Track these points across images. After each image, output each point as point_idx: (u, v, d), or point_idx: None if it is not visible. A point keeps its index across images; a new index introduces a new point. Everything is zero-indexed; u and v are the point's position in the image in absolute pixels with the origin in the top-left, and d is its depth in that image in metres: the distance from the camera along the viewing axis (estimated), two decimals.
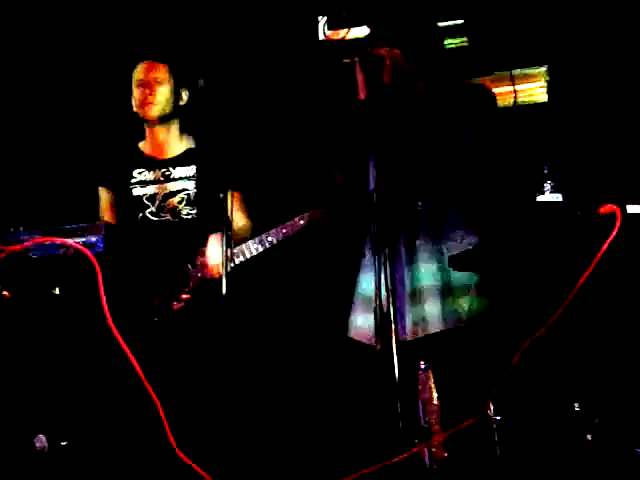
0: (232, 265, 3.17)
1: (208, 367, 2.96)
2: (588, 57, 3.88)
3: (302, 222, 3.21)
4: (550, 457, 3.10)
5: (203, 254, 3.21)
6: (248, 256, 3.22)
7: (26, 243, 2.57)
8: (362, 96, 2.92)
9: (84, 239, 2.63)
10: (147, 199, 3.37)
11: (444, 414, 2.72)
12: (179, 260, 3.26)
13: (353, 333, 3.12)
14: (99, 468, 3.00)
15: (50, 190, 4.14)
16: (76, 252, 2.57)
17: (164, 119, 3.42)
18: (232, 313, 2.76)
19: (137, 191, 3.38)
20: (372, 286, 2.98)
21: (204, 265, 3.20)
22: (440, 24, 3.64)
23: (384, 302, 2.67)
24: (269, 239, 3.21)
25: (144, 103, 3.40)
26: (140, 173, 3.42)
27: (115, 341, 2.35)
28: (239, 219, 3.42)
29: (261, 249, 3.22)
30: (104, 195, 3.46)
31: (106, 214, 3.44)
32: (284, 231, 3.21)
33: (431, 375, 2.77)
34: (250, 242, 3.23)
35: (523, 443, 3.08)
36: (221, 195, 2.72)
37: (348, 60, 3.24)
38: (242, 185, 3.43)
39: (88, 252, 2.48)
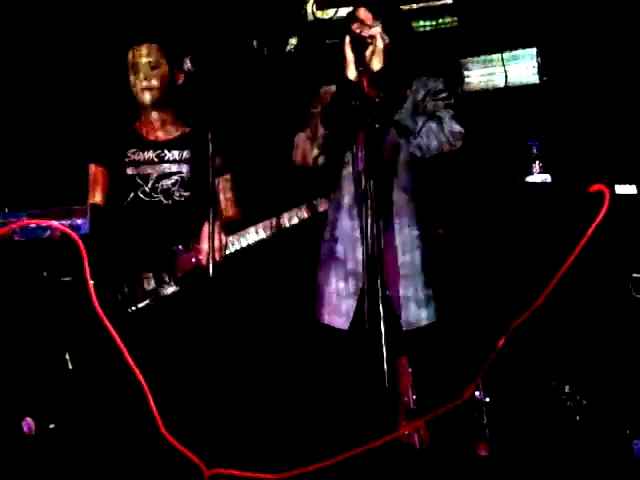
0: (227, 252, 3.18)
1: (197, 352, 2.95)
2: (579, 38, 3.87)
3: (301, 214, 3.19)
4: (539, 440, 3.11)
5: (198, 240, 3.19)
6: (244, 245, 3.21)
7: (11, 225, 2.56)
8: (350, 76, 2.90)
9: (70, 221, 2.62)
10: (140, 179, 3.35)
11: (434, 397, 2.73)
12: (170, 241, 3.25)
13: (327, 319, 3.12)
14: (87, 451, 3.00)
15: (37, 171, 4.12)
16: (62, 235, 2.56)
17: (159, 103, 3.41)
18: (221, 299, 2.76)
19: (131, 171, 3.37)
20: (347, 271, 3.01)
21: (199, 251, 3.19)
22: (431, 3, 3.64)
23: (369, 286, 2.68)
24: (266, 229, 3.20)
25: (139, 88, 3.38)
26: (134, 153, 3.40)
27: (102, 324, 2.34)
28: (229, 207, 3.41)
29: (257, 238, 3.21)
30: (95, 172, 3.43)
31: (96, 192, 3.41)
32: (282, 222, 3.19)
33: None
34: (246, 231, 3.22)
35: (512, 425, 3.09)
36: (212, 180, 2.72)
37: (336, 41, 3.21)
38: (233, 167, 3.42)
39: (74, 234, 2.47)
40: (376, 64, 2.91)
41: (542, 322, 2.82)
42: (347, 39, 2.91)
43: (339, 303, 3.07)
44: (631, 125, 3.61)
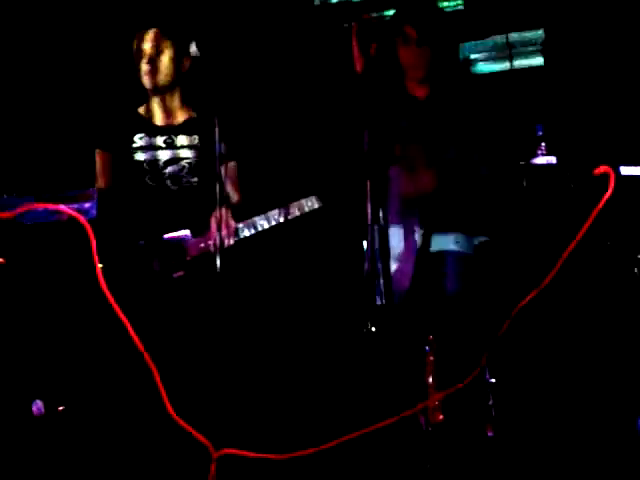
0: (236, 239, 3.20)
1: (205, 334, 2.98)
2: (585, 20, 3.86)
3: (311, 204, 3.20)
4: (545, 420, 3.13)
5: (209, 226, 3.20)
6: (253, 232, 3.22)
7: (19, 209, 2.57)
8: (358, 68, 2.89)
9: (77, 205, 2.63)
10: (148, 165, 3.37)
11: (441, 378, 2.75)
12: (177, 227, 3.26)
13: None
14: (96, 433, 3.02)
15: (45, 156, 4.13)
16: (69, 218, 2.57)
17: (165, 88, 3.41)
18: (230, 285, 2.78)
19: (138, 156, 3.38)
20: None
21: (208, 237, 3.20)
22: None
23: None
24: (275, 217, 3.20)
25: (144, 73, 3.38)
26: (141, 138, 3.41)
27: (110, 308, 2.35)
28: (233, 194, 3.42)
29: (267, 226, 3.22)
30: (102, 158, 3.44)
31: (103, 177, 3.42)
32: (292, 211, 3.20)
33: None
34: (256, 218, 3.23)
35: (518, 405, 3.10)
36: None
37: (346, 25, 3.19)
38: (238, 155, 3.43)
39: (81, 218, 2.47)
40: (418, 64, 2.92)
41: (548, 304, 2.83)
42: (354, 29, 2.89)
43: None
44: (636, 107, 3.60)
